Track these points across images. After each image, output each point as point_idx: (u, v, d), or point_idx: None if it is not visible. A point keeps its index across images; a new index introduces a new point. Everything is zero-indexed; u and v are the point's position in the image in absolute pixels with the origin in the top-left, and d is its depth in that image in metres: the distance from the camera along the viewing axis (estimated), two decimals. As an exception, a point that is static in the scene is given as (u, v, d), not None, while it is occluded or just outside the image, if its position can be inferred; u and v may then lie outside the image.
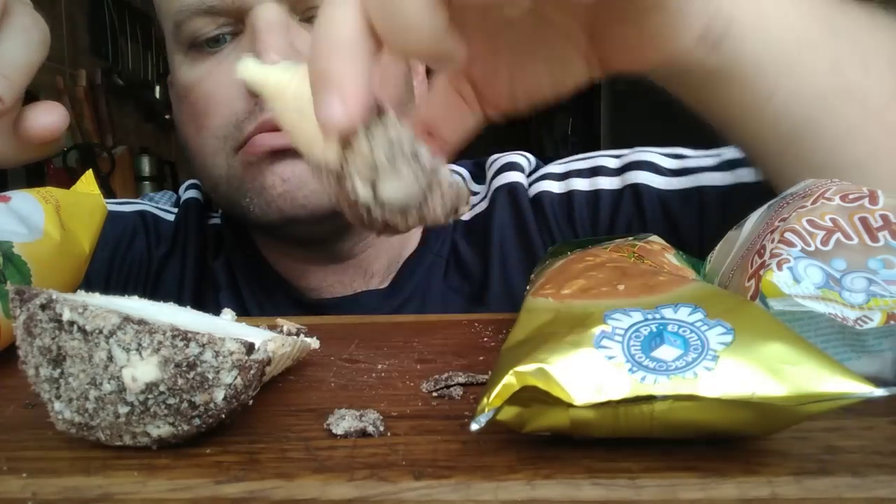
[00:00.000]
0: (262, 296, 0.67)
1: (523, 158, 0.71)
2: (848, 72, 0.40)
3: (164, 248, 0.69)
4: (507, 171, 0.69)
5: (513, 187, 0.67)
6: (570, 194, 0.66)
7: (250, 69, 0.31)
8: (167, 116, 3.04)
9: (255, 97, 0.55)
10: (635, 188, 0.64)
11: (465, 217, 0.68)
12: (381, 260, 0.66)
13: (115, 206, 0.70)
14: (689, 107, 0.43)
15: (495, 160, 0.71)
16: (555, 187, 0.67)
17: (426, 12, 0.25)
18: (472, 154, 0.62)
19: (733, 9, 0.37)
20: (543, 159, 0.72)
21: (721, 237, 0.41)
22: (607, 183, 0.65)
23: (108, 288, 0.66)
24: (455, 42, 0.27)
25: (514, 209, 0.66)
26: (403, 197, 0.27)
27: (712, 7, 0.36)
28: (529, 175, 0.69)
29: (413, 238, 0.67)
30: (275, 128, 0.53)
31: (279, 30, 0.53)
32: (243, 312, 0.66)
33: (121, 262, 0.68)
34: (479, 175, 0.72)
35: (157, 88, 3.03)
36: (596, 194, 0.65)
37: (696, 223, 0.60)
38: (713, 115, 0.43)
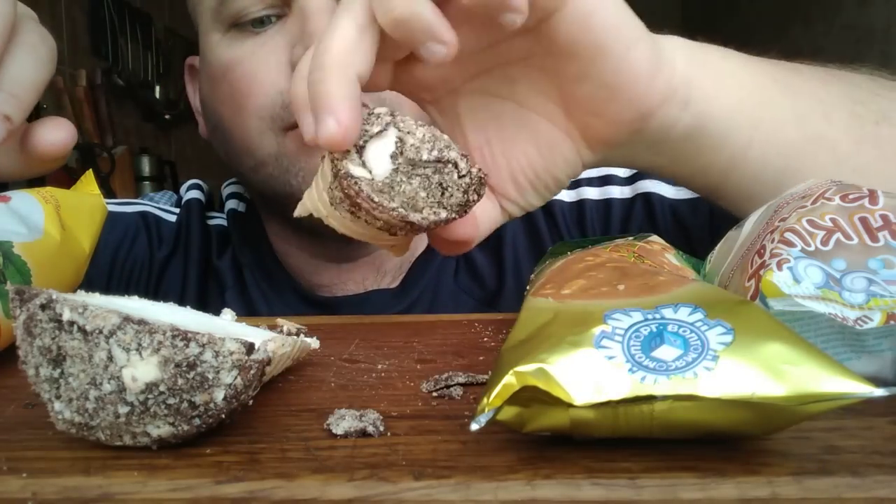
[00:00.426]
0: (270, 293, 0.66)
1: None
2: (812, 123, 0.42)
3: (165, 249, 0.69)
4: None
5: None
6: (580, 203, 0.66)
7: (303, 207, 0.34)
8: (167, 116, 3.04)
9: None
10: (646, 197, 0.64)
11: None
12: (394, 259, 0.66)
13: (115, 206, 0.70)
14: (679, 180, 0.46)
15: None
16: (565, 196, 0.67)
17: None
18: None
19: (689, 72, 0.39)
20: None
21: None
22: (618, 192, 0.66)
23: (109, 290, 0.65)
24: (440, 16, 0.29)
25: (527, 216, 0.66)
26: (386, 149, 0.31)
27: (667, 67, 0.38)
28: None
29: (423, 238, 0.67)
30: None
31: (329, 15, 0.53)
32: (251, 310, 0.66)
33: (122, 263, 0.68)
34: None
35: (157, 88, 3.03)
36: (607, 203, 0.66)
37: (707, 229, 0.60)
38: (700, 180, 0.45)
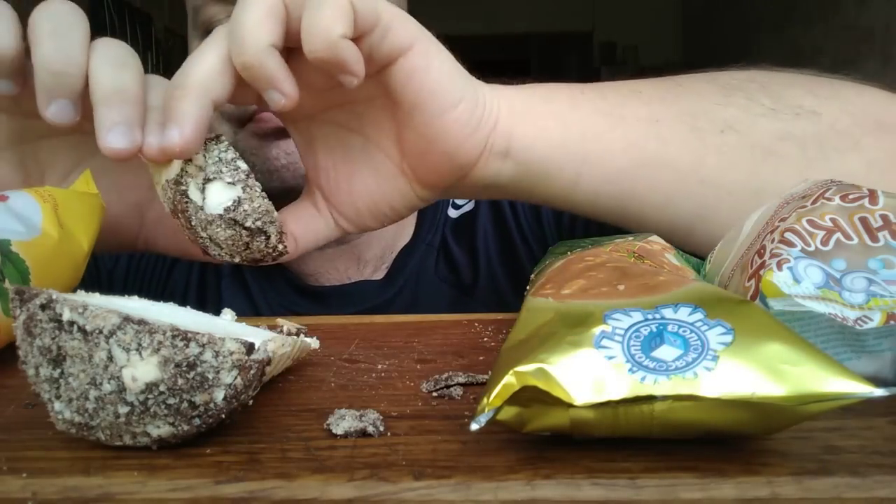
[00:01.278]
0: (264, 282, 0.70)
1: None
2: (646, 147, 0.44)
3: None
4: None
5: None
6: None
7: None
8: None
9: None
10: None
11: (454, 215, 0.72)
12: (373, 249, 0.69)
13: None
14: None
15: None
16: None
17: (256, 26, 0.34)
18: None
19: (509, 125, 0.42)
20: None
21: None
22: None
23: (127, 282, 0.71)
24: (283, 71, 0.35)
25: (496, 210, 0.71)
26: (225, 199, 0.36)
27: (485, 126, 0.41)
28: None
29: (407, 229, 0.71)
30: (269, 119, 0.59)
31: None
32: (247, 296, 0.70)
33: (139, 260, 0.72)
34: None
35: (157, 88, 3.03)
36: None
37: None
38: (543, 204, 0.49)
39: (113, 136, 0.36)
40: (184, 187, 0.36)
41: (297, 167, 0.60)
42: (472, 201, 0.72)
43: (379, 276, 0.69)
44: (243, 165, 0.37)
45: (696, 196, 0.44)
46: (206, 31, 0.60)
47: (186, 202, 0.36)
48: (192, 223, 0.37)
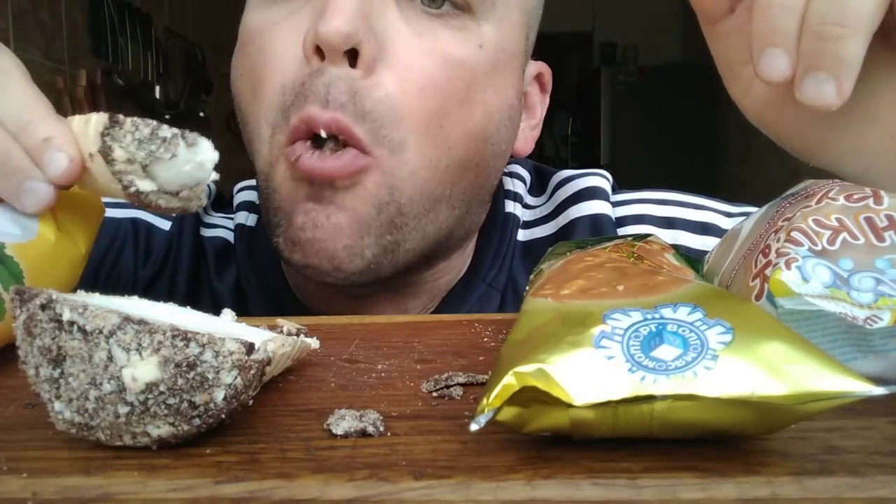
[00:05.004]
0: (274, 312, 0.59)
1: (603, 180, 0.64)
2: None
3: (151, 268, 0.62)
4: (588, 199, 0.62)
5: (597, 219, 0.61)
6: (675, 248, 0.63)
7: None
8: (167, 116, 3.05)
9: (318, 61, 0.46)
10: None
11: (522, 238, 0.63)
12: (420, 298, 0.59)
13: (108, 209, 0.65)
14: None
15: (565, 180, 0.65)
16: (655, 231, 0.61)
17: None
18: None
19: None
20: (543, 159, 0.70)
21: None
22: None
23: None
24: None
25: (594, 232, 0.61)
26: (177, 175, 0.35)
27: None
28: (613, 194, 0.64)
29: (460, 264, 0.59)
30: (314, 127, 0.45)
31: None
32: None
33: (106, 277, 0.60)
34: (538, 187, 0.66)
35: (157, 88, 3.03)
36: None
37: None
38: None
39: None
40: (133, 188, 0.36)
41: (321, 247, 0.47)
42: (549, 225, 0.62)
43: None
44: (166, 130, 0.34)
45: None
46: None
47: (145, 195, 0.36)
48: (151, 204, 0.37)
